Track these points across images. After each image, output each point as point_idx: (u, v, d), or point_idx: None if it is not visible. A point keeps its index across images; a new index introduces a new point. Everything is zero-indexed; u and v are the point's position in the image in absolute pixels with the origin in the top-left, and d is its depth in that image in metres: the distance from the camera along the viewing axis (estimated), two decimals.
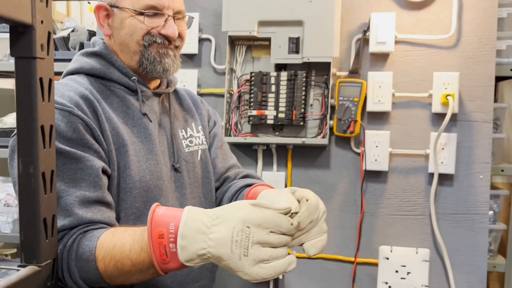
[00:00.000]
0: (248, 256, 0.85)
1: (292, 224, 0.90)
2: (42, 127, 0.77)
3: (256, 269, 0.85)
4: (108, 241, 0.96)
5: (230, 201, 1.29)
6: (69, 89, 1.12)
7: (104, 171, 1.08)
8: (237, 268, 0.85)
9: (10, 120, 2.23)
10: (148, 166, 1.16)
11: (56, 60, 1.95)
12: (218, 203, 1.35)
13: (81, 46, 2.15)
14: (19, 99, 0.76)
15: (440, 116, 1.68)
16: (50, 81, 0.79)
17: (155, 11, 1.18)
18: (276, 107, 1.74)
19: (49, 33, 0.79)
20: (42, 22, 0.76)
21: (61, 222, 1.00)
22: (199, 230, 0.87)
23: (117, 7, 1.19)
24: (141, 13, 1.18)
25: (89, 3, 3.49)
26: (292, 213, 0.94)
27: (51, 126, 0.79)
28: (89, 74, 1.20)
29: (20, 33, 0.74)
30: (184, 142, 1.29)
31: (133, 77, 1.20)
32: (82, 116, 1.07)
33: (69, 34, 2.14)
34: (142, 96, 1.21)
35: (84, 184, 1.04)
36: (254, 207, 0.89)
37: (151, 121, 1.21)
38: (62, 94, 1.10)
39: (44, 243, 0.78)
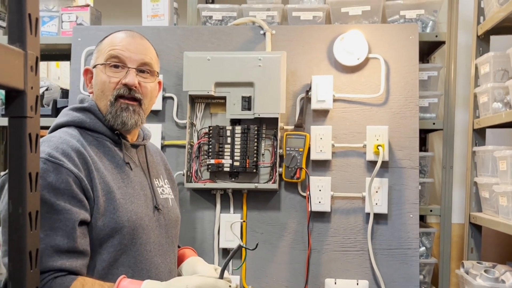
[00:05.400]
0: None
1: (230, 286, 1.11)
2: (29, 174, 0.87)
3: None
4: None
5: None
6: (62, 141, 1.18)
7: (82, 222, 1.14)
8: None
9: None
10: (134, 208, 1.23)
11: None
12: None
13: (54, 102, 2.24)
14: (12, 151, 0.87)
15: (373, 164, 1.81)
16: (37, 135, 0.90)
17: (117, 63, 1.26)
18: (232, 157, 1.86)
19: (37, 97, 0.91)
20: (32, 88, 0.87)
21: None
22: None
23: (95, 66, 1.29)
24: (106, 64, 1.26)
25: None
26: None
27: (37, 173, 0.90)
28: (79, 126, 1.26)
29: (14, 97, 0.86)
30: (159, 189, 1.37)
31: (116, 131, 1.27)
32: (72, 169, 1.14)
33: (43, 93, 2.24)
34: (124, 147, 1.29)
35: (60, 233, 1.10)
36: (199, 276, 1.14)
37: (131, 169, 1.29)
38: (56, 147, 1.16)
39: (29, 273, 0.87)
